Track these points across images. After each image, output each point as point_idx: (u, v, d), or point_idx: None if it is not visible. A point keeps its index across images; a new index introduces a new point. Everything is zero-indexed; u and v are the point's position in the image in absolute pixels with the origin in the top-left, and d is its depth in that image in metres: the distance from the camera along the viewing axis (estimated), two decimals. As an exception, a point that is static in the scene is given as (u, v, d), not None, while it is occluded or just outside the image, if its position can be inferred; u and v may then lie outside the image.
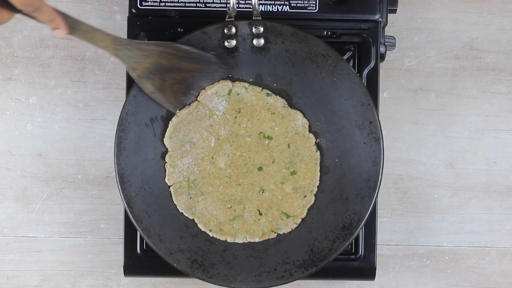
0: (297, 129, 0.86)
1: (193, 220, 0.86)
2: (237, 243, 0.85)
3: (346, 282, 0.96)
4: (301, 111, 0.86)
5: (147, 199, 0.84)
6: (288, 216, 0.85)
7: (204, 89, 0.86)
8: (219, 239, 0.85)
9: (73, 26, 0.77)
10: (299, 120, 0.86)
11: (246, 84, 0.86)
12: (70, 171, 0.96)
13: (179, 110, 0.85)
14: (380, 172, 0.83)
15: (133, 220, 0.83)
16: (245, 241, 0.85)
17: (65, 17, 0.76)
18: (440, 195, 0.97)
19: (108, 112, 0.97)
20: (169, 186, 0.85)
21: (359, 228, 0.83)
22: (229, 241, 0.85)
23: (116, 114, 0.88)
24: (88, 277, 0.96)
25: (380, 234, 0.95)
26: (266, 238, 0.85)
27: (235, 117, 0.86)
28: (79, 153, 0.97)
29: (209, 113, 0.86)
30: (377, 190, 0.83)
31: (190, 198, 0.85)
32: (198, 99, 0.86)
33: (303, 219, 0.85)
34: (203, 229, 0.85)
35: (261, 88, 0.86)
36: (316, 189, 0.86)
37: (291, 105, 0.86)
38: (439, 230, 0.96)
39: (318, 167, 0.86)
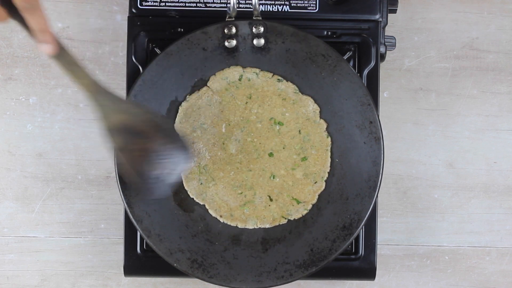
0: (308, 115, 0.86)
1: (193, 219, 0.86)
2: (237, 243, 0.85)
3: (346, 282, 0.96)
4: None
5: (147, 199, 0.84)
6: (298, 202, 0.85)
7: (214, 75, 0.85)
8: (220, 239, 0.85)
9: (61, 52, 0.73)
10: (310, 106, 0.86)
11: (257, 70, 0.86)
12: (70, 171, 0.96)
13: (189, 95, 0.85)
14: (380, 172, 0.83)
15: (133, 220, 0.83)
16: (256, 227, 0.85)
17: (56, 37, 0.72)
18: (440, 195, 0.97)
19: (108, 112, 0.97)
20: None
21: (359, 228, 0.83)
22: (239, 226, 0.85)
23: (116, 114, 0.88)
24: (88, 277, 0.96)
25: (380, 234, 0.95)
26: (277, 224, 0.85)
27: (246, 102, 0.86)
28: (79, 153, 0.97)
29: (219, 98, 0.86)
30: (377, 190, 0.83)
31: (201, 184, 0.86)
32: (208, 85, 0.86)
33: (314, 205, 0.85)
34: (213, 215, 0.85)
35: (272, 73, 0.86)
36: (326, 175, 0.86)
37: (302, 91, 0.86)
38: (439, 230, 0.96)
39: (329, 153, 0.86)
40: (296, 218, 0.85)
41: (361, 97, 0.84)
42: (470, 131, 0.97)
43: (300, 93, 0.86)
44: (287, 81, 0.86)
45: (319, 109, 0.86)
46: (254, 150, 0.86)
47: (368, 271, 0.88)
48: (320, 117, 0.86)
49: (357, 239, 0.88)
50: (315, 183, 0.86)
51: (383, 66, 0.96)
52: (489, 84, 0.97)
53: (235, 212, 0.86)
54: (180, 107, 0.86)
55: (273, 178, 0.86)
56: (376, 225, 0.88)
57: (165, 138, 0.79)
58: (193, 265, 0.83)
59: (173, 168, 0.80)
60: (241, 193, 0.86)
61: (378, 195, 0.84)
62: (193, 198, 0.86)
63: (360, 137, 0.84)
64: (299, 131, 0.86)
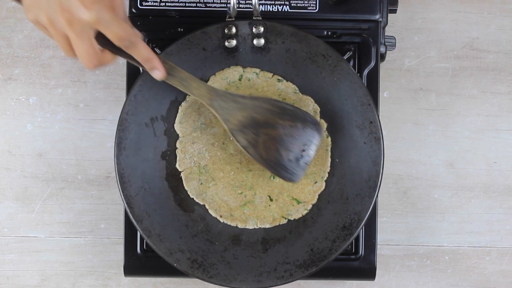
0: None
1: (193, 219, 0.86)
2: (237, 243, 0.85)
3: (346, 282, 0.96)
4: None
5: (147, 199, 0.84)
6: (299, 202, 0.85)
7: (215, 75, 0.85)
8: (220, 239, 0.85)
9: (170, 72, 0.78)
10: (310, 106, 0.86)
11: (257, 70, 0.86)
12: (70, 171, 0.96)
13: (187, 99, 0.85)
14: (380, 172, 0.83)
15: (133, 220, 0.83)
16: (256, 227, 0.85)
17: (163, 61, 0.77)
18: (440, 195, 0.97)
19: (108, 112, 0.97)
20: (180, 172, 0.85)
21: (359, 228, 0.83)
22: (239, 227, 0.85)
23: (116, 114, 0.88)
24: (88, 277, 0.96)
25: (380, 234, 0.95)
26: (277, 224, 0.85)
27: None
28: (79, 153, 0.97)
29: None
30: (377, 190, 0.83)
31: (201, 184, 0.86)
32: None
33: (314, 205, 0.85)
34: (213, 214, 0.85)
35: (272, 74, 0.86)
36: (327, 175, 0.86)
37: (302, 91, 0.86)
38: (439, 230, 0.96)
39: (329, 153, 0.86)
40: (296, 218, 0.85)
41: (361, 97, 0.84)
42: (470, 131, 0.97)
43: (300, 93, 0.86)
44: (287, 81, 0.86)
45: (319, 109, 0.86)
46: None
47: (368, 271, 0.88)
48: (320, 117, 0.86)
49: (357, 239, 0.88)
50: (315, 183, 0.86)
51: (383, 66, 0.96)
52: (489, 84, 0.97)
53: (235, 212, 0.86)
54: (180, 107, 0.86)
55: (273, 178, 0.86)
56: (376, 225, 0.88)
57: (292, 119, 0.81)
58: (193, 265, 0.83)
59: (309, 143, 0.82)
60: (241, 193, 0.86)
61: (378, 195, 0.84)
62: (193, 198, 0.86)
63: (360, 137, 0.84)
64: None
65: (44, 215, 0.96)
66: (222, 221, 0.85)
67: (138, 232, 0.85)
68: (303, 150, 0.82)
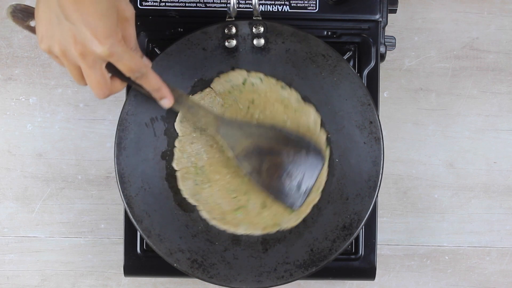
0: (308, 125, 0.86)
1: (193, 219, 0.86)
2: (237, 243, 0.85)
3: (346, 282, 0.96)
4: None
5: (147, 199, 0.84)
6: (291, 212, 0.85)
7: (219, 77, 0.85)
8: (220, 239, 0.85)
9: (178, 100, 0.79)
10: (312, 116, 0.86)
11: (262, 75, 0.86)
12: (70, 171, 0.96)
13: (192, 95, 0.85)
14: (380, 172, 0.83)
15: (133, 220, 0.83)
16: (247, 233, 0.85)
17: (172, 89, 0.78)
18: (440, 195, 0.97)
19: (108, 112, 0.97)
20: (176, 171, 0.85)
21: (359, 228, 0.83)
22: (231, 231, 0.85)
23: (116, 114, 0.88)
24: (88, 277, 0.96)
25: (380, 234, 0.95)
26: (268, 232, 0.85)
27: (248, 107, 0.86)
28: (79, 153, 0.97)
29: (222, 101, 0.86)
30: (377, 190, 0.83)
31: (196, 184, 0.85)
32: (211, 86, 0.86)
33: (306, 216, 0.85)
34: (206, 216, 0.85)
35: (276, 80, 0.86)
36: (322, 186, 0.85)
37: (304, 100, 0.86)
38: (439, 230, 0.96)
39: (327, 164, 0.86)
40: (287, 228, 0.85)
41: (361, 97, 0.84)
42: (470, 131, 0.97)
43: (302, 102, 0.86)
44: (290, 88, 0.86)
45: (320, 119, 0.86)
46: None
47: (368, 271, 0.88)
48: (321, 128, 0.86)
49: (357, 239, 0.88)
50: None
51: (383, 66, 0.96)
52: (489, 84, 0.97)
53: (227, 216, 0.85)
54: None
55: None
56: (376, 225, 0.88)
57: (296, 146, 0.83)
58: (193, 265, 0.83)
59: (311, 171, 0.83)
60: (236, 197, 0.86)
61: (378, 195, 0.84)
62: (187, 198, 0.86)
63: (360, 137, 0.84)
64: None
65: (44, 215, 0.96)
66: (213, 224, 0.85)
67: (138, 232, 0.85)
68: (305, 178, 0.83)
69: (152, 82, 0.75)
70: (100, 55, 0.67)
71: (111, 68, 0.71)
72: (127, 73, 0.71)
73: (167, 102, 0.78)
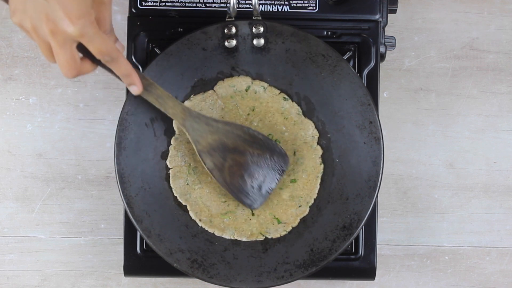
0: (306, 139, 0.86)
1: (193, 219, 0.86)
2: (238, 243, 0.85)
3: (346, 282, 0.96)
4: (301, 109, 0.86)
5: (147, 199, 0.84)
6: (279, 222, 0.85)
7: (223, 80, 0.85)
8: (220, 239, 0.85)
9: (148, 88, 0.79)
10: (310, 131, 0.86)
11: (265, 84, 0.86)
12: (70, 171, 0.96)
13: (194, 95, 0.85)
14: (380, 172, 0.83)
15: (133, 220, 0.83)
16: (232, 238, 0.85)
17: (141, 77, 0.78)
18: (440, 195, 0.97)
19: (108, 112, 0.97)
20: (169, 168, 0.85)
21: (359, 228, 0.83)
22: (216, 234, 0.85)
23: (116, 114, 0.88)
24: (88, 277, 0.96)
25: (380, 234, 0.95)
26: (253, 239, 0.85)
27: (248, 114, 0.86)
28: (79, 153, 0.97)
29: (223, 104, 0.86)
30: (377, 190, 0.83)
31: (187, 184, 0.85)
32: (214, 89, 0.86)
33: (305, 216, 0.85)
34: (193, 217, 0.85)
35: (279, 91, 0.86)
36: (312, 201, 0.86)
37: (305, 114, 0.86)
38: (439, 230, 0.96)
39: (319, 181, 0.86)
40: (273, 237, 0.85)
41: (361, 97, 0.84)
42: (470, 131, 0.97)
43: (302, 116, 0.86)
44: (292, 101, 0.86)
45: (318, 134, 0.86)
46: None
47: (368, 271, 0.88)
48: (318, 143, 0.86)
49: (357, 239, 0.88)
50: (299, 206, 0.85)
51: (383, 66, 0.96)
52: (489, 84, 0.97)
53: (215, 219, 0.85)
54: None
55: None
56: (376, 225, 0.88)
57: (261, 148, 0.83)
58: (193, 265, 0.83)
59: (273, 173, 0.84)
60: (225, 201, 0.86)
61: (378, 195, 0.84)
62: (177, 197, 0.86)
63: (360, 137, 0.84)
64: (294, 152, 0.86)
65: (44, 215, 0.96)
66: (200, 226, 0.85)
67: (138, 232, 0.85)
68: (267, 180, 0.84)
69: (122, 68, 0.74)
70: (70, 34, 0.66)
71: (83, 49, 0.71)
72: (97, 55, 0.70)
73: (135, 89, 0.78)
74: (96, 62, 0.73)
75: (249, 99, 0.86)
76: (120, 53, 0.73)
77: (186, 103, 0.86)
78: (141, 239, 0.88)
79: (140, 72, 0.78)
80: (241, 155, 0.83)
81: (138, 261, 0.88)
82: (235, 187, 0.83)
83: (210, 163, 0.82)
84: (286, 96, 0.86)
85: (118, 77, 0.76)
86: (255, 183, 0.84)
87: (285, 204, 0.85)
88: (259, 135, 0.83)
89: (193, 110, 0.82)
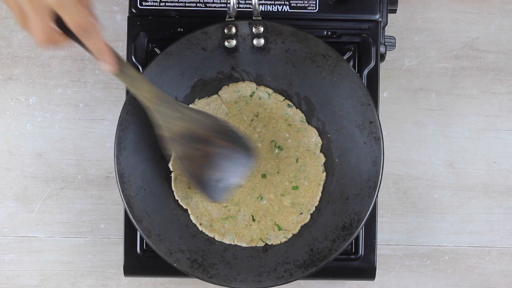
0: (309, 146, 0.86)
1: (194, 221, 0.86)
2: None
3: (346, 282, 0.96)
4: (301, 111, 0.86)
5: (147, 199, 0.84)
6: (280, 229, 0.85)
7: (227, 85, 0.85)
8: (220, 239, 0.85)
9: (122, 69, 0.76)
10: (313, 138, 0.86)
11: (270, 91, 0.86)
12: (70, 171, 0.96)
13: (198, 99, 0.85)
14: (380, 172, 0.83)
15: (133, 220, 0.83)
16: (232, 243, 0.85)
17: (116, 56, 0.76)
18: (440, 195, 0.97)
19: (108, 112, 0.97)
20: (169, 169, 0.85)
21: (359, 228, 0.83)
22: (216, 239, 0.85)
23: (116, 114, 0.88)
24: (88, 277, 0.96)
25: (380, 234, 0.95)
26: (253, 245, 0.85)
27: (252, 120, 0.86)
28: (79, 153, 0.97)
29: (227, 109, 0.86)
30: (377, 190, 0.83)
31: (189, 188, 0.85)
32: (218, 93, 0.86)
33: (294, 235, 0.85)
34: (194, 221, 0.85)
35: (283, 98, 0.86)
36: (313, 208, 0.86)
37: (309, 122, 0.86)
38: (439, 230, 0.96)
39: (321, 188, 0.86)
40: (274, 244, 0.85)
41: (361, 97, 0.84)
42: (470, 131, 0.97)
43: (306, 123, 0.86)
44: (296, 108, 0.86)
45: (321, 142, 0.86)
46: None
47: (368, 271, 0.88)
48: (320, 151, 0.86)
49: (357, 239, 0.88)
50: (300, 214, 0.85)
51: (383, 66, 0.96)
52: (489, 84, 0.97)
53: (215, 224, 0.85)
54: None
55: (261, 199, 0.86)
56: (376, 225, 0.88)
57: (227, 141, 0.81)
58: (193, 265, 0.83)
59: (235, 169, 0.82)
60: (226, 206, 0.86)
61: (378, 195, 0.84)
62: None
63: (360, 137, 0.84)
64: (297, 159, 0.86)
65: (44, 215, 0.96)
66: (200, 230, 0.85)
67: (138, 232, 0.85)
68: (232, 175, 0.82)
69: (96, 43, 0.72)
70: (48, 3, 0.66)
71: (61, 24, 0.70)
72: (72, 27, 0.69)
73: (108, 67, 0.74)
74: (71, 36, 0.71)
75: (253, 105, 0.86)
76: (95, 27, 0.71)
77: (190, 106, 0.85)
78: (141, 239, 0.88)
79: (115, 51, 0.75)
80: (208, 146, 0.81)
81: (138, 261, 0.88)
82: (198, 177, 0.81)
83: (180, 150, 0.80)
84: (290, 103, 0.86)
85: (92, 53, 0.74)
86: (218, 176, 0.82)
87: (286, 210, 0.85)
88: (229, 128, 0.82)
89: (167, 96, 0.80)
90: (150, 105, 0.79)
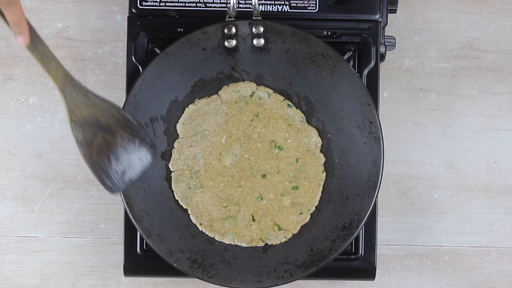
0: (309, 146, 0.86)
1: (194, 221, 0.86)
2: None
3: (346, 282, 0.96)
4: (301, 111, 0.86)
5: (147, 199, 0.84)
6: (280, 229, 0.85)
7: (227, 85, 0.86)
8: (220, 239, 0.85)
9: (36, 44, 0.75)
10: (313, 138, 0.86)
11: (270, 91, 0.86)
12: (70, 171, 0.96)
13: (198, 99, 0.85)
14: (380, 172, 0.83)
15: (133, 220, 0.83)
16: (232, 243, 0.85)
17: (32, 31, 0.74)
18: (440, 195, 0.97)
19: (108, 112, 0.97)
20: (171, 172, 0.85)
21: (359, 228, 0.83)
22: (216, 239, 0.85)
23: (116, 114, 0.88)
24: (88, 277, 0.96)
25: (380, 234, 0.95)
26: (253, 245, 0.85)
27: (252, 120, 0.86)
28: (79, 153, 0.96)
29: (227, 109, 0.86)
30: (377, 190, 0.83)
31: (189, 188, 0.85)
32: (218, 93, 0.86)
33: (294, 235, 0.85)
34: (194, 221, 0.85)
35: (283, 98, 0.86)
36: (313, 208, 0.86)
37: (309, 122, 0.86)
38: (439, 230, 0.96)
39: (321, 188, 0.86)
40: (274, 244, 0.85)
41: (361, 97, 0.84)
42: (470, 131, 0.97)
43: (306, 123, 0.86)
44: (296, 108, 0.86)
45: (321, 142, 0.86)
46: (249, 167, 0.86)
47: (368, 271, 0.88)
48: (320, 151, 0.86)
49: (357, 239, 0.88)
50: (300, 213, 0.86)
51: (383, 66, 0.96)
52: (489, 84, 0.97)
53: (215, 224, 0.85)
54: (186, 109, 0.86)
55: (261, 199, 0.86)
56: (376, 225, 0.88)
57: (132, 134, 0.80)
58: (193, 265, 0.83)
59: (139, 161, 0.80)
60: (226, 206, 0.86)
61: (378, 195, 0.84)
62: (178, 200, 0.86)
63: (360, 137, 0.84)
64: (297, 159, 0.86)
65: (44, 215, 0.96)
66: (200, 230, 0.85)
67: (138, 232, 0.85)
68: (131, 168, 0.80)
69: (14, 14, 0.71)
70: None
71: None
72: None
73: (22, 39, 0.73)
74: None
75: (253, 105, 0.86)
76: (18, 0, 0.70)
77: (191, 106, 0.86)
78: (141, 239, 0.88)
79: (32, 26, 0.74)
80: (111, 136, 0.80)
81: (138, 261, 0.88)
82: (99, 167, 0.80)
83: (80, 136, 0.79)
84: (290, 103, 0.86)
85: (9, 24, 0.72)
86: (119, 167, 0.80)
87: (286, 210, 0.85)
88: (133, 120, 0.81)
89: (76, 79, 0.78)
90: (57, 84, 0.77)
